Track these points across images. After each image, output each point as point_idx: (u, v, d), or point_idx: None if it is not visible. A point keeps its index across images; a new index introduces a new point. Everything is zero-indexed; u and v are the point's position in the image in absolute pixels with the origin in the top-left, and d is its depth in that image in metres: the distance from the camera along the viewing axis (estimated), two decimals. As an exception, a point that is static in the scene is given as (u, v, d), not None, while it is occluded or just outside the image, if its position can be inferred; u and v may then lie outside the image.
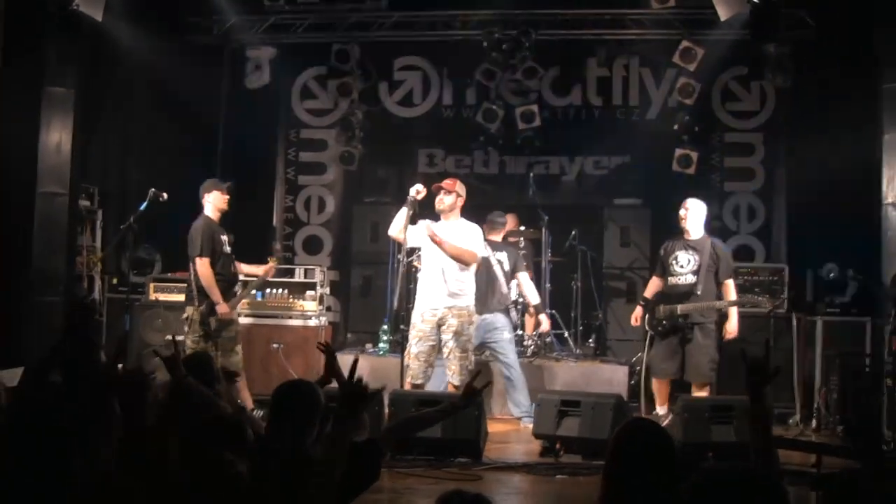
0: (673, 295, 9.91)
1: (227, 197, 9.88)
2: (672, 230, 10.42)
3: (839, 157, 11.25)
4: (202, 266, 9.51)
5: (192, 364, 5.59)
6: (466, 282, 9.43)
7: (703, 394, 9.65)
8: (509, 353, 10.44)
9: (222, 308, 9.49)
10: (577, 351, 12.23)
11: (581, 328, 12.62)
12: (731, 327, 9.88)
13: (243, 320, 10.16)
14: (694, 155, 12.55)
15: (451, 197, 9.40)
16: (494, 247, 10.70)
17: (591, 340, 12.85)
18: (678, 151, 12.60)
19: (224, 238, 9.76)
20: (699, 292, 9.79)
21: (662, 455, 3.61)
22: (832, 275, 11.19)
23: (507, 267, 10.73)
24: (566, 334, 12.45)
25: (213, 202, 9.82)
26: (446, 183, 9.47)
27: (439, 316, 9.29)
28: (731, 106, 13.34)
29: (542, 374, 11.25)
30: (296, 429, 4.47)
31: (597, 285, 12.92)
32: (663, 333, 9.89)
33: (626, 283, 13.16)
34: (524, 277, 11.11)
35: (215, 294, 9.49)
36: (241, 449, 3.98)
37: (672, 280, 9.98)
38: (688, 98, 12.51)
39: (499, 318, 10.51)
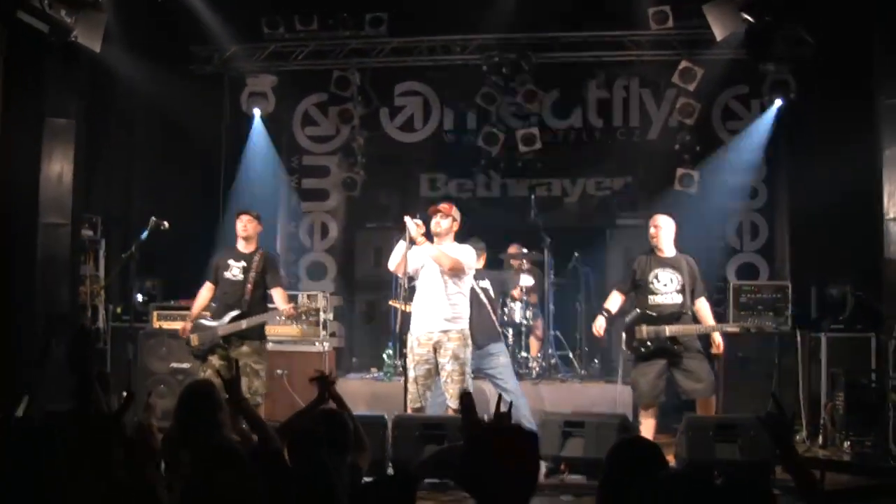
0: (659, 316, 9.48)
1: (238, 222, 9.92)
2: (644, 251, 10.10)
3: (840, 173, 11.23)
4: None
5: (194, 393, 5.57)
6: (461, 305, 9.36)
7: (709, 410, 9.49)
8: (508, 379, 10.34)
9: (182, 325, 9.85)
10: (582, 372, 12.20)
11: (586, 349, 12.59)
12: (718, 340, 9.62)
13: (245, 348, 10.12)
14: (695, 174, 12.55)
15: (447, 220, 9.33)
16: (476, 276, 10.52)
17: (595, 361, 12.82)
18: (680, 171, 12.60)
19: (230, 263, 9.78)
20: (689, 312, 9.55)
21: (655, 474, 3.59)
22: (835, 296, 11.22)
23: (492, 294, 10.64)
24: (571, 355, 12.43)
25: (236, 230, 9.93)
26: (443, 207, 9.41)
27: (435, 339, 9.15)
28: (731, 125, 13.34)
29: (547, 396, 11.22)
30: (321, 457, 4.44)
31: (600, 306, 12.88)
32: (647, 355, 9.46)
33: (631, 304, 13.13)
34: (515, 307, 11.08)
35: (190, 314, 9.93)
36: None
37: (655, 299, 9.57)
38: (688, 118, 12.54)
39: (492, 345, 10.42)
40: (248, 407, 5.30)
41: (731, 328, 9.75)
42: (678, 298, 9.53)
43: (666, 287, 9.55)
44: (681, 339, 9.38)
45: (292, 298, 10.73)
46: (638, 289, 9.70)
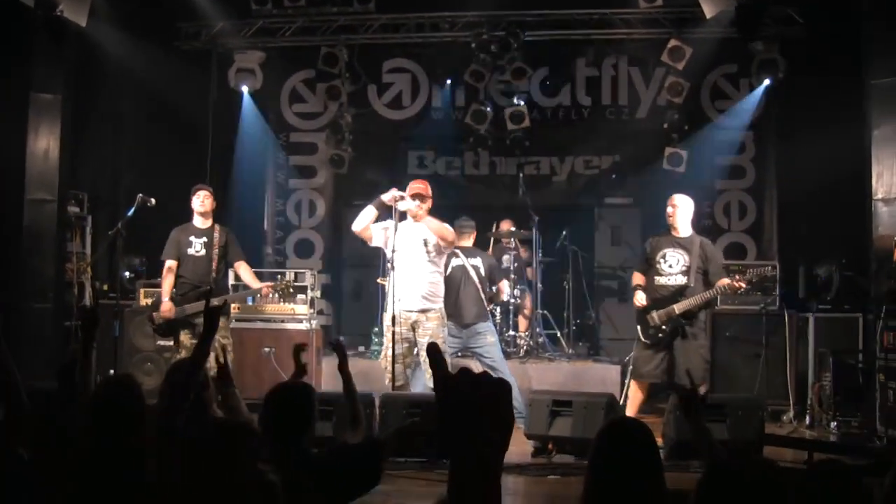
0: (664, 297, 9.48)
1: (195, 198, 9.90)
2: (662, 229, 10.27)
3: (828, 153, 11.24)
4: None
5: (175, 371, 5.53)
6: (440, 284, 9.41)
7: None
8: (495, 357, 10.34)
9: (163, 307, 9.72)
10: (570, 351, 12.21)
11: (574, 328, 12.61)
12: (726, 281, 9.38)
13: (234, 325, 10.10)
14: (684, 153, 12.54)
15: (427, 202, 9.33)
16: (467, 253, 10.51)
17: (583, 340, 12.84)
18: (668, 150, 12.59)
19: (192, 240, 9.77)
20: (696, 291, 9.44)
21: (646, 454, 3.59)
22: (823, 276, 11.24)
23: (483, 272, 10.62)
24: (558, 334, 12.45)
25: (192, 206, 9.88)
26: (421, 189, 9.34)
27: (413, 319, 9.22)
28: (720, 104, 13.33)
29: (535, 375, 11.22)
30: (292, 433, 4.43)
31: (588, 285, 12.92)
32: (664, 339, 9.43)
33: (618, 283, 13.17)
34: (505, 285, 11.07)
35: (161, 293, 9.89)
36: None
37: (660, 280, 9.55)
38: (677, 97, 12.53)
39: (480, 324, 10.42)
40: (234, 396, 5.29)
41: (725, 287, 9.52)
42: (682, 280, 9.46)
43: (671, 268, 9.52)
44: (690, 315, 9.36)
45: (276, 276, 10.75)
46: (649, 268, 9.68)
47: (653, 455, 3.60)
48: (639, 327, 9.66)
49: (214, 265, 9.78)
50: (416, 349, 9.28)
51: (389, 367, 9.13)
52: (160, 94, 12.29)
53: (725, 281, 9.36)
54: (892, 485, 3.74)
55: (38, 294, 10.68)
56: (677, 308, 9.32)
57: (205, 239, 9.79)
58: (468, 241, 10.66)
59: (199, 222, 9.89)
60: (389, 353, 9.15)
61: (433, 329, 9.18)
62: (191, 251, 9.76)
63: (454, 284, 10.17)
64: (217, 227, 9.94)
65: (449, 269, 10.18)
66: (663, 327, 9.40)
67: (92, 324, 4.84)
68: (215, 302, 5.46)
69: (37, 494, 3.81)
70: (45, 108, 10.81)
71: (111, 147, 13.18)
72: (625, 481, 3.46)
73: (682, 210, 9.65)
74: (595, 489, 3.51)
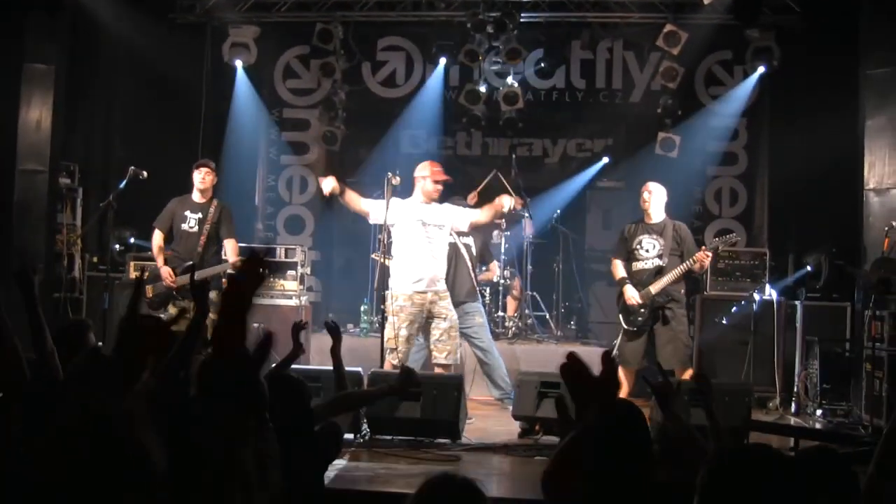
0: (640, 281, 9.74)
1: (196, 173, 9.92)
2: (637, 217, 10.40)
3: (821, 142, 11.27)
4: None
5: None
6: (446, 265, 9.57)
7: (687, 377, 9.55)
8: (484, 337, 10.36)
9: (163, 273, 9.81)
10: (558, 333, 12.24)
11: (563, 310, 12.63)
12: (700, 257, 9.62)
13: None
14: (676, 139, 12.54)
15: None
16: (460, 232, 10.55)
17: (572, 323, 12.87)
18: (661, 135, 12.58)
19: (187, 215, 9.76)
20: (666, 269, 9.72)
21: (638, 437, 3.60)
22: (812, 265, 11.30)
23: (474, 251, 10.62)
24: (547, 316, 12.47)
25: (193, 180, 9.89)
26: (443, 175, 9.51)
27: (429, 299, 9.32)
28: (714, 90, 13.32)
29: (523, 356, 11.24)
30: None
31: (578, 268, 12.93)
32: (641, 324, 9.72)
33: (608, 266, 13.16)
34: (495, 266, 11.11)
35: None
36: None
37: (638, 265, 9.83)
38: (671, 82, 12.50)
39: (469, 304, 10.43)
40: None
41: (699, 255, 9.67)
42: (657, 262, 9.74)
43: (647, 253, 9.78)
44: (670, 298, 9.63)
45: (268, 251, 10.77)
46: (628, 255, 9.93)
47: (644, 439, 3.62)
48: (620, 316, 9.93)
49: (203, 241, 9.78)
50: (418, 327, 9.40)
51: (401, 347, 9.20)
52: (154, 67, 12.24)
53: (697, 255, 9.61)
54: (873, 473, 3.78)
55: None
56: (653, 288, 9.64)
57: (199, 215, 9.79)
58: None
59: (197, 197, 9.90)
60: (401, 332, 9.21)
61: (447, 306, 9.45)
62: (184, 226, 9.76)
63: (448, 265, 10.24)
64: (215, 202, 9.94)
65: None
66: (642, 310, 9.67)
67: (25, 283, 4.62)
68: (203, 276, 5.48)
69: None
70: (38, 78, 10.78)
71: (104, 119, 13.12)
72: (615, 464, 3.47)
73: (655, 196, 9.96)
74: (585, 472, 3.52)
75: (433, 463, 7.57)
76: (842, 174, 11.00)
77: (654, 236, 9.80)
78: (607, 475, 3.42)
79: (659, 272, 9.69)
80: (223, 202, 10.13)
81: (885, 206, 10.19)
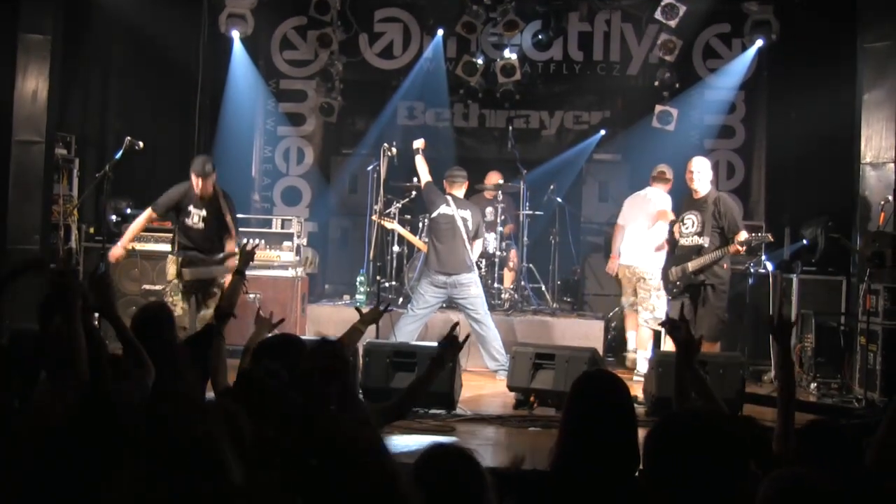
0: (682, 255, 9.97)
1: (193, 179, 9.57)
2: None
3: (818, 116, 11.28)
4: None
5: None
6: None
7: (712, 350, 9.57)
8: (479, 309, 10.39)
9: (113, 250, 9.70)
10: (554, 305, 12.23)
11: (559, 282, 12.63)
12: (735, 246, 9.75)
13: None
14: (674, 112, 12.52)
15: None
16: (458, 204, 10.54)
17: (567, 295, 12.87)
18: (658, 107, 12.56)
19: (191, 210, 9.64)
20: (714, 249, 9.79)
21: (618, 406, 3.64)
22: (808, 238, 11.31)
23: (470, 226, 10.61)
24: (543, 288, 12.46)
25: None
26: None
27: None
28: (711, 63, 13.30)
29: (519, 328, 11.26)
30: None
31: (574, 240, 12.92)
32: (678, 294, 9.98)
33: (604, 239, 13.15)
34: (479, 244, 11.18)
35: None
36: None
37: (681, 241, 10.04)
38: (668, 54, 12.46)
39: (464, 275, 10.44)
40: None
41: (738, 244, 9.72)
42: (698, 240, 9.88)
43: (688, 230, 10.01)
44: (707, 279, 9.81)
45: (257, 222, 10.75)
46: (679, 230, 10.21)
47: (626, 407, 3.66)
48: (661, 282, 10.40)
49: (207, 235, 9.64)
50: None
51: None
52: (151, 37, 12.21)
53: (731, 247, 9.75)
54: (878, 442, 3.81)
55: (24, 235, 10.64)
56: (691, 265, 9.84)
57: (203, 212, 9.63)
58: (460, 191, 10.68)
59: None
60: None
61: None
62: (188, 221, 9.58)
63: (444, 236, 10.28)
64: (220, 195, 9.71)
65: (437, 215, 10.32)
66: (678, 283, 9.99)
67: (67, 290, 4.32)
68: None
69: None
70: (34, 48, 10.74)
71: (100, 89, 13.06)
72: (597, 432, 3.50)
73: (697, 174, 10.05)
74: (567, 440, 3.55)
75: (428, 434, 7.59)
76: (839, 148, 11.00)
77: (695, 212, 9.97)
78: (588, 442, 3.50)
79: (698, 252, 9.82)
80: (225, 197, 9.87)
81: (881, 180, 10.20)
